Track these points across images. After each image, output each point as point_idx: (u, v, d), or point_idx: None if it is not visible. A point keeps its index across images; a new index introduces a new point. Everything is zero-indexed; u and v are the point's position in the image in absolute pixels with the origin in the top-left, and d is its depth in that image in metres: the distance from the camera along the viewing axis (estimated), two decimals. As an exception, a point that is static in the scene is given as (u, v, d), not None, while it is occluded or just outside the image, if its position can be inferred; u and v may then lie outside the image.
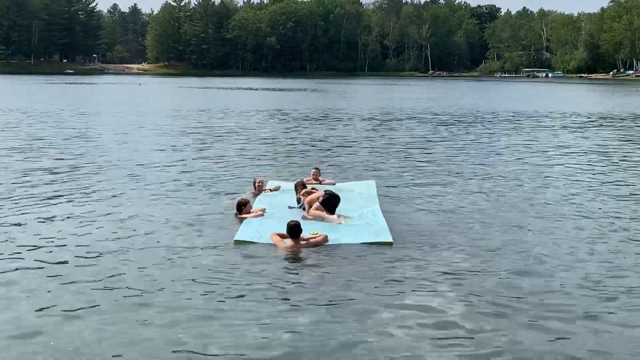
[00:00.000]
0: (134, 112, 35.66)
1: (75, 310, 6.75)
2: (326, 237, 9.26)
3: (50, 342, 6.05)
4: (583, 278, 8.01)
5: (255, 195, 12.55)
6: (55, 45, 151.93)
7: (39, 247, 8.93)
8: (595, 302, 7.20)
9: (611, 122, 32.71)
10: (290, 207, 11.31)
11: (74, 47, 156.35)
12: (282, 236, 9.24)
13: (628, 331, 6.47)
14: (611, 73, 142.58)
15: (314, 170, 14.05)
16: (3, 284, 7.51)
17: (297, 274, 8.12)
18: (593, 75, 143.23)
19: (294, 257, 8.74)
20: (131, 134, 24.11)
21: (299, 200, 11.44)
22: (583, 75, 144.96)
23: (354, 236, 9.53)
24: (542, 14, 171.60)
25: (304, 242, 9.10)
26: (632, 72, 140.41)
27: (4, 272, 7.90)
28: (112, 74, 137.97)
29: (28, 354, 5.85)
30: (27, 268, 8.06)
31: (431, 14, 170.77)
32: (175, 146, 20.62)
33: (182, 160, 17.54)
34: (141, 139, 22.55)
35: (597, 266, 8.50)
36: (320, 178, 13.80)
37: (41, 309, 6.76)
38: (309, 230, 9.37)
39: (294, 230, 9.10)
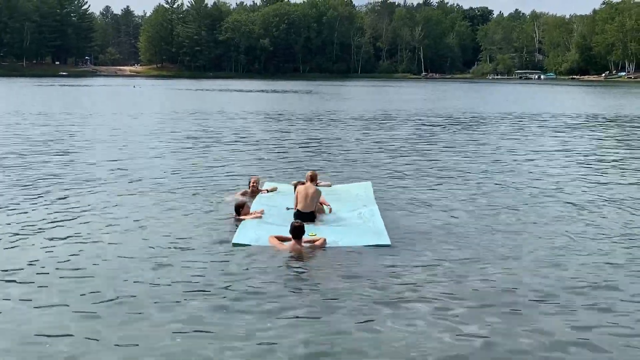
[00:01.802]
0: (131, 114, 35.57)
1: (72, 312, 6.73)
2: (325, 240, 9.27)
3: (46, 346, 6.02)
4: (583, 278, 8.04)
5: (249, 195, 12.54)
6: (47, 47, 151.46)
7: (37, 249, 8.90)
8: (597, 302, 7.23)
9: (606, 124, 32.82)
10: (288, 209, 11.29)
11: (66, 49, 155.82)
12: (280, 239, 9.23)
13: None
14: (603, 75, 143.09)
15: (310, 172, 13.99)
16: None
17: (296, 276, 8.12)
18: (585, 77, 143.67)
19: (293, 260, 8.73)
20: (127, 136, 24.05)
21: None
22: (575, 77, 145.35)
23: (352, 238, 9.54)
24: (535, 16, 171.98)
25: (304, 244, 9.08)
26: (624, 73, 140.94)
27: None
28: (104, 76, 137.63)
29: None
30: (30, 268, 8.05)
31: (424, 16, 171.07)
32: (171, 148, 20.58)
33: (178, 162, 17.52)
34: (137, 141, 22.49)
35: (598, 266, 8.54)
36: (317, 180, 13.75)
37: (38, 312, 6.75)
38: (307, 232, 9.36)
39: (297, 230, 9.08)
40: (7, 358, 5.81)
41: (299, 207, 10.70)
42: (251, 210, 10.91)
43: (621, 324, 6.67)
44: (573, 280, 7.97)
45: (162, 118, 33.22)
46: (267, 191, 12.94)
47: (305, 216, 10.44)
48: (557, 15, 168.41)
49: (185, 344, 6.05)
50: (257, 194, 12.72)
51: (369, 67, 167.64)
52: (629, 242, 9.80)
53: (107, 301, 7.06)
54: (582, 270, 8.35)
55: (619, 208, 12.25)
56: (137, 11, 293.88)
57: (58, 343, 6.05)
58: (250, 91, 72.89)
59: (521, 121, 33.83)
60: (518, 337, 6.30)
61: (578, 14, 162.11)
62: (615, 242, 9.78)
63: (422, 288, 7.59)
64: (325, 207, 11.31)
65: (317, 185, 13.02)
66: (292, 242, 9.10)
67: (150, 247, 9.14)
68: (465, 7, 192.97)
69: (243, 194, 12.69)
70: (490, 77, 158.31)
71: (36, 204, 11.85)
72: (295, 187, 11.99)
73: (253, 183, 13.02)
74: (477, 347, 6.09)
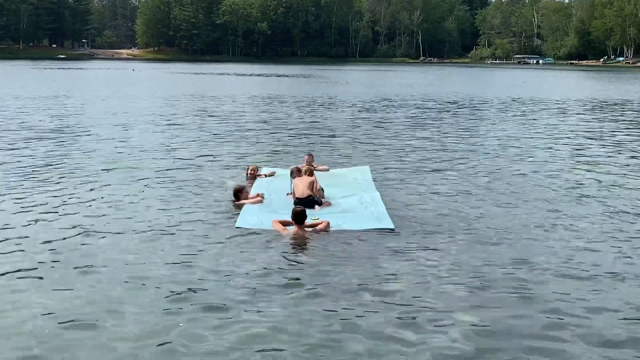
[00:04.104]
0: (132, 97, 35.51)
1: (73, 297, 6.76)
2: (328, 223, 9.31)
3: (45, 331, 6.03)
4: (582, 262, 8.08)
5: (247, 180, 12.59)
6: (43, 30, 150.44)
7: (36, 236, 8.95)
8: (596, 291, 7.25)
9: (607, 108, 32.81)
10: (288, 194, 11.35)
11: (62, 32, 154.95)
12: (284, 223, 9.27)
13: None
14: (601, 60, 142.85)
15: (307, 156, 14.03)
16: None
17: (300, 260, 8.14)
18: (584, 62, 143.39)
19: (297, 244, 8.76)
20: (128, 120, 23.97)
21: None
22: (574, 62, 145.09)
23: (355, 222, 9.57)
24: (533, 0, 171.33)
25: (307, 228, 9.14)
26: (622, 58, 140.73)
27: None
28: (101, 59, 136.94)
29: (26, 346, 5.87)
30: (28, 254, 8.10)
31: (422, 0, 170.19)
32: (171, 133, 20.54)
33: (177, 147, 17.51)
34: (137, 125, 22.43)
35: (598, 251, 8.56)
36: (314, 164, 13.78)
37: (39, 299, 6.79)
38: (310, 217, 9.41)
39: (299, 216, 9.12)
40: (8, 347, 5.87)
41: (297, 195, 10.77)
42: (250, 195, 10.97)
43: (620, 309, 6.72)
44: (578, 266, 7.98)
45: (162, 102, 33.10)
46: (265, 176, 12.99)
47: (305, 202, 10.52)
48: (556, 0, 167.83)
49: (187, 328, 6.08)
50: (255, 179, 12.77)
51: (367, 51, 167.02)
52: (633, 226, 9.84)
53: (106, 285, 7.08)
54: (587, 256, 8.37)
55: (628, 192, 12.31)
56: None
57: (58, 329, 6.07)
58: (250, 75, 72.60)
59: (521, 105, 33.77)
60: (522, 323, 6.32)
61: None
62: (621, 227, 9.80)
63: (427, 272, 7.63)
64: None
65: (314, 169, 13.08)
66: (295, 226, 9.14)
67: (152, 231, 9.15)
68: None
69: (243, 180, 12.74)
70: (488, 62, 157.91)
71: (36, 189, 11.85)
72: (291, 173, 12.04)
73: (250, 171, 13.06)
74: (479, 333, 6.11)
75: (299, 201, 10.50)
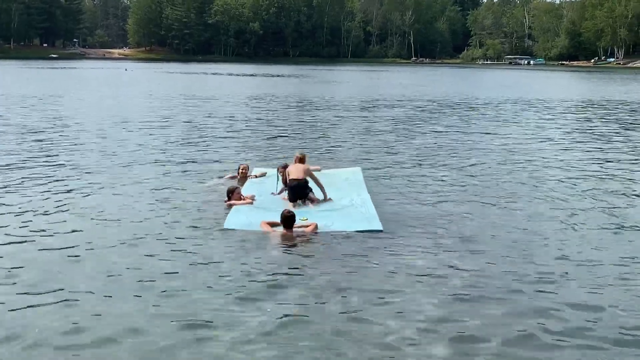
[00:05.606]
0: (125, 97, 35.44)
1: (60, 301, 6.73)
2: (316, 225, 9.35)
3: (32, 336, 5.99)
4: (572, 261, 8.15)
5: (238, 180, 12.64)
6: (35, 29, 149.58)
7: (23, 236, 8.94)
8: (587, 286, 7.32)
9: (598, 107, 32.96)
10: (272, 194, 11.43)
11: (54, 31, 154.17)
12: (272, 224, 9.30)
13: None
14: (592, 60, 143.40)
15: (298, 155, 14.03)
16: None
17: (287, 261, 8.15)
18: (574, 63, 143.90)
19: (284, 245, 8.78)
20: (119, 120, 23.88)
21: (285, 182, 11.46)
22: (564, 62, 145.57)
23: (344, 223, 9.60)
24: (525, 1, 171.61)
25: (295, 229, 9.17)
26: (613, 59, 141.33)
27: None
28: (93, 58, 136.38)
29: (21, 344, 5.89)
30: (18, 253, 8.10)
31: (414, 1, 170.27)
32: (162, 133, 20.49)
33: (168, 146, 17.50)
34: (129, 125, 22.35)
35: (591, 251, 8.62)
36: (305, 162, 13.78)
37: (25, 300, 6.79)
38: (298, 217, 9.45)
39: (288, 220, 9.16)
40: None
41: (292, 176, 10.85)
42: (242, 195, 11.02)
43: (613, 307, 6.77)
44: (567, 264, 8.06)
45: (155, 102, 32.97)
46: (256, 176, 13.03)
47: (300, 186, 10.57)
48: (547, 0, 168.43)
49: (173, 328, 6.09)
50: (247, 179, 12.83)
51: (359, 51, 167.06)
52: (620, 224, 9.91)
53: (94, 286, 7.08)
54: (579, 255, 8.43)
55: (616, 191, 12.40)
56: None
57: (46, 332, 6.06)
58: (242, 75, 72.44)
59: (512, 106, 33.81)
60: (513, 323, 6.35)
61: (568, 0, 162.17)
62: (616, 226, 9.87)
63: (413, 274, 7.66)
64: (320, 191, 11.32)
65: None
66: (284, 229, 9.17)
67: (141, 231, 9.16)
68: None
69: (232, 178, 12.81)
70: (480, 63, 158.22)
71: (25, 188, 11.84)
72: (278, 171, 12.10)
73: (242, 169, 13.11)
74: (469, 333, 6.15)
75: (293, 183, 10.59)
